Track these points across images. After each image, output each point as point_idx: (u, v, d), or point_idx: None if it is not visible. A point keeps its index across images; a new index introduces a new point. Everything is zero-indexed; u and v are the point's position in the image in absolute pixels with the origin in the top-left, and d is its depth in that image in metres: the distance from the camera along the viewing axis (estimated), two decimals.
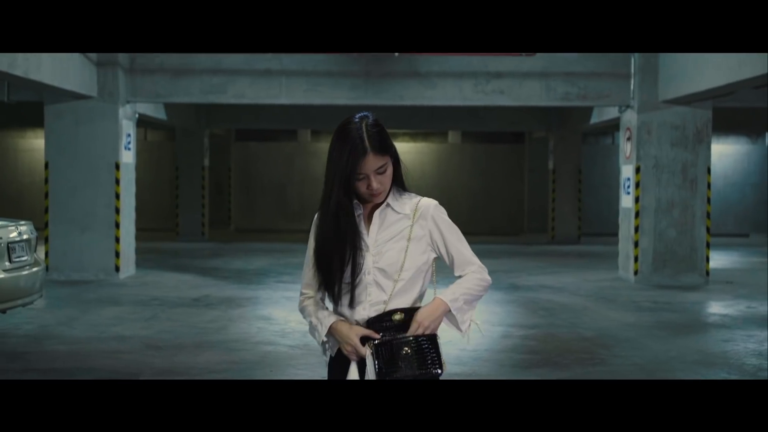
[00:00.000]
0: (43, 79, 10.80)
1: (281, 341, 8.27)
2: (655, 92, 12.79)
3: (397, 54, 12.74)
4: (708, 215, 13.00)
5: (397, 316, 2.86)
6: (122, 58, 12.90)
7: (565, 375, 7.06)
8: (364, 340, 2.84)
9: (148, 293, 11.53)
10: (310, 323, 2.99)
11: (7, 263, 7.80)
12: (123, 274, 12.97)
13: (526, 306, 10.77)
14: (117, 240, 12.85)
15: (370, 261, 2.89)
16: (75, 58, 11.94)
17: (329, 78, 13.14)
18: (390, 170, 2.88)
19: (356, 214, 2.90)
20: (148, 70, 13.08)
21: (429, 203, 2.96)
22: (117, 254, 12.87)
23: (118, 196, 12.84)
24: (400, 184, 2.97)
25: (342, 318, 2.92)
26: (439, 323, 2.89)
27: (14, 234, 8.01)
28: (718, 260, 16.08)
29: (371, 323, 2.86)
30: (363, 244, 2.89)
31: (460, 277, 2.98)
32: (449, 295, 2.89)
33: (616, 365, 7.46)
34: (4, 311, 7.95)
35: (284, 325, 9.18)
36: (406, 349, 2.81)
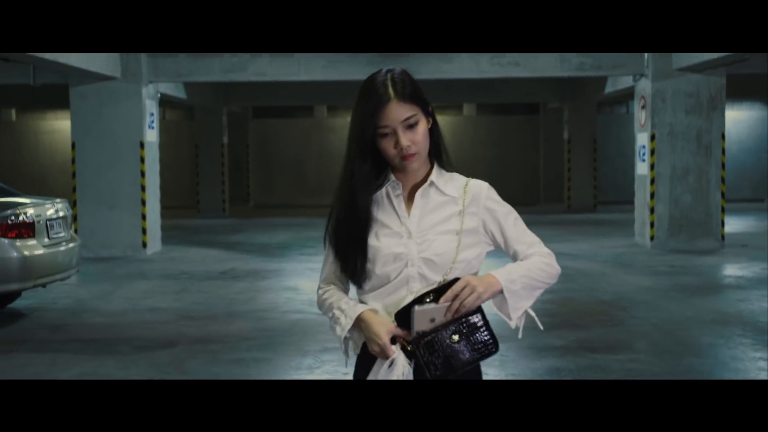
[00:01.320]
0: (71, 62, 11.09)
1: (309, 309, 8.58)
2: (669, 60, 12.96)
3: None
4: (723, 181, 13.20)
5: (429, 300, 2.30)
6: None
7: (585, 335, 7.34)
8: (397, 340, 2.34)
9: (176, 268, 11.86)
10: (332, 316, 2.46)
11: (46, 239, 8.12)
12: (150, 250, 13.30)
13: None
14: (143, 217, 13.18)
15: (414, 250, 2.38)
16: None
17: (346, 54, 13.35)
18: (423, 127, 2.36)
19: (395, 194, 2.43)
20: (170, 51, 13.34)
21: (480, 186, 2.48)
22: (144, 231, 13.20)
23: (143, 174, 13.16)
24: (440, 158, 2.48)
25: (373, 309, 2.39)
26: (490, 293, 2.34)
27: (51, 211, 8.33)
28: (733, 225, 16.28)
29: (399, 317, 2.32)
30: (404, 229, 2.40)
31: None
32: (505, 274, 2.36)
33: (633, 325, 7.73)
34: (44, 285, 8.28)
35: (311, 294, 9.49)
36: (454, 336, 2.30)
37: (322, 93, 20.31)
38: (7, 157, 24.65)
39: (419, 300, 2.29)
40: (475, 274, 2.41)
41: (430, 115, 2.40)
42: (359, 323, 2.37)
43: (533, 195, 24.34)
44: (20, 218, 7.84)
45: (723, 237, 13.23)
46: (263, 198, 24.67)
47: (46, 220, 8.18)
